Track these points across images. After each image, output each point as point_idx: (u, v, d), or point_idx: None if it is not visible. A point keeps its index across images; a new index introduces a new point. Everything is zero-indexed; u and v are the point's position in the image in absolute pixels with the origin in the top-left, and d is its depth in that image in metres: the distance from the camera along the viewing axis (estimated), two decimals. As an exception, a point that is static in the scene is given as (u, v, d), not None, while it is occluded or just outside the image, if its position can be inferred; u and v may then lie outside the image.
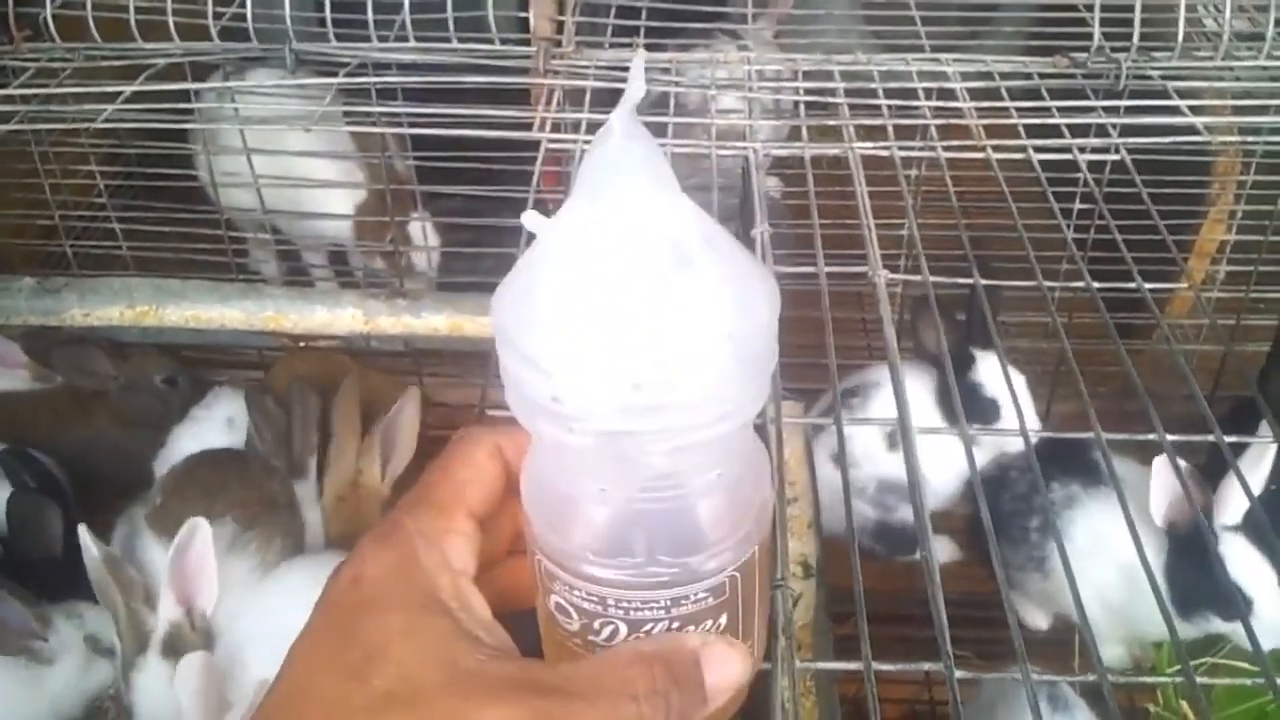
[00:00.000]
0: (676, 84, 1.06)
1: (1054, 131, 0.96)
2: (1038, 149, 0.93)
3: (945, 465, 1.07)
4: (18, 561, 0.99)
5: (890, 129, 0.96)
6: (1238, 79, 1.07)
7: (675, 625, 0.43)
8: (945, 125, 0.98)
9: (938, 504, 1.17)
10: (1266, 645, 0.58)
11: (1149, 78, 1.04)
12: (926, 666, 0.52)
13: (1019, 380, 1.06)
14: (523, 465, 0.44)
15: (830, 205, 0.90)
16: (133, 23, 1.08)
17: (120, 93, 1.00)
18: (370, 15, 1.07)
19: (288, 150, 1.31)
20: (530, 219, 0.39)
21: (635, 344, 0.37)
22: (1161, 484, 0.92)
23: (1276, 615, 0.92)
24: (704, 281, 0.38)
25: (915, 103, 1.00)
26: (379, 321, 1.18)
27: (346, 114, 1.15)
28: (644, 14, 1.21)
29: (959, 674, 0.50)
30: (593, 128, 0.97)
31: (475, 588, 0.43)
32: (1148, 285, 0.79)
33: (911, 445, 0.63)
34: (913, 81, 1.03)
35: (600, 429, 0.37)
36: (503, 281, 0.40)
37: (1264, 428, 0.75)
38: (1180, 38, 1.06)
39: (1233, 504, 0.91)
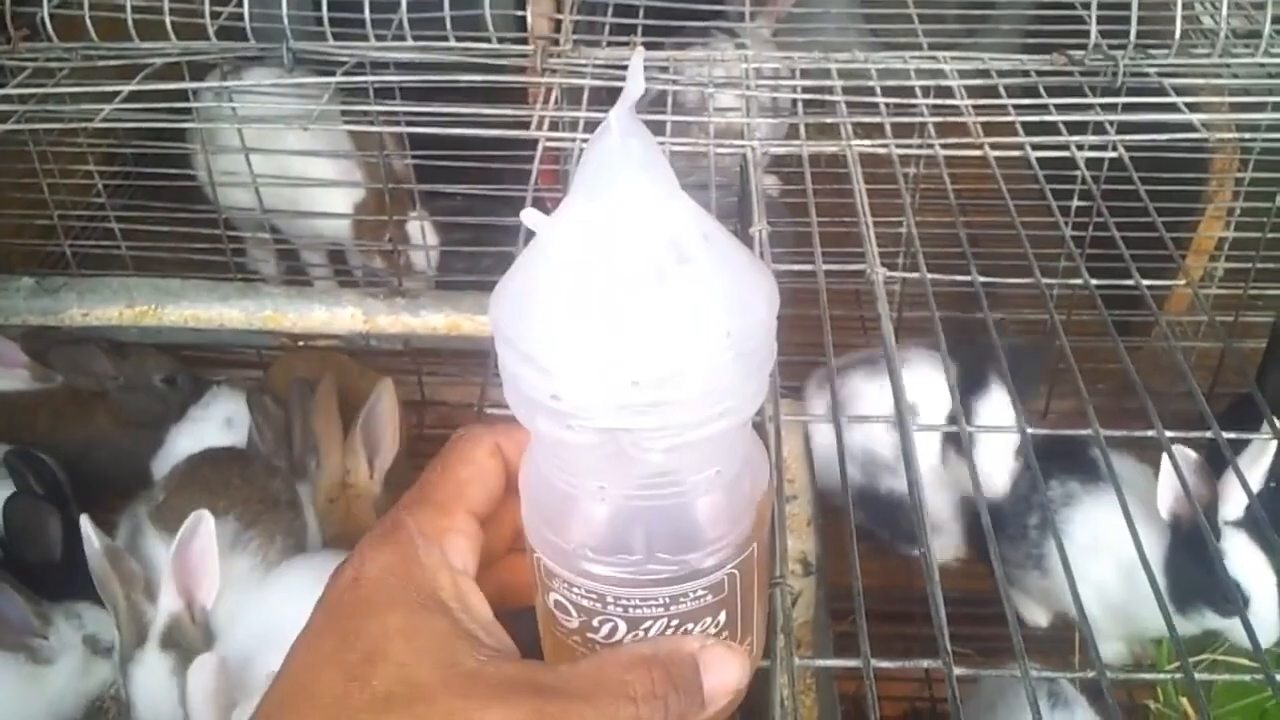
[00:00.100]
0: (674, 82, 1.06)
1: (1052, 129, 0.96)
2: (1035, 146, 0.94)
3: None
4: (16, 564, 0.98)
5: (888, 127, 0.96)
6: (1235, 76, 1.08)
7: (674, 622, 0.43)
8: (943, 123, 0.98)
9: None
10: (1262, 642, 0.58)
11: (1146, 75, 1.04)
12: (926, 664, 0.52)
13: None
14: (521, 463, 0.44)
15: (828, 203, 0.90)
16: (130, 22, 1.08)
17: (118, 92, 1.00)
18: (368, 14, 1.07)
19: (286, 149, 1.31)
20: (529, 217, 0.39)
21: (634, 341, 0.37)
22: (1170, 475, 0.91)
23: (1272, 612, 0.92)
24: (703, 279, 0.38)
25: (913, 101, 1.00)
26: (378, 320, 1.18)
27: (344, 113, 1.15)
28: (642, 12, 1.21)
29: (958, 671, 0.50)
30: (591, 126, 0.97)
31: (476, 587, 0.44)
32: (1146, 282, 0.79)
33: (911, 445, 0.63)
34: (910, 79, 1.03)
35: (599, 426, 0.37)
36: (501, 280, 0.40)
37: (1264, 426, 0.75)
38: (1177, 35, 1.06)
39: (1235, 499, 0.91)
